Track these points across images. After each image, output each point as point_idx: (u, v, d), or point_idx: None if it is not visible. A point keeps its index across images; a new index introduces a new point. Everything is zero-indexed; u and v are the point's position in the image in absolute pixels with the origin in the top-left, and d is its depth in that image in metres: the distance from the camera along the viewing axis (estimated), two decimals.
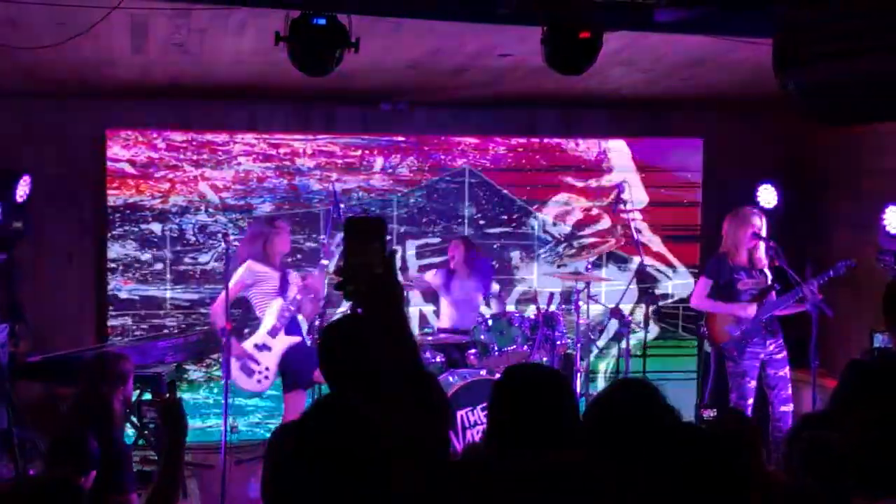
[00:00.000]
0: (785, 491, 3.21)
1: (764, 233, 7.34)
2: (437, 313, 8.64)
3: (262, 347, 7.28)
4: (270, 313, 7.32)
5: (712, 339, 7.62)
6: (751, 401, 7.35)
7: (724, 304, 7.43)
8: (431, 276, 8.38)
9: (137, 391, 6.92)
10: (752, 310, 7.33)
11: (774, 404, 7.36)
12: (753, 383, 7.37)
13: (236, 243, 7.56)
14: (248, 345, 7.30)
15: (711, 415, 4.56)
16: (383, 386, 2.17)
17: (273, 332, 7.29)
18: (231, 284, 7.11)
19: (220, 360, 7.79)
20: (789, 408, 7.36)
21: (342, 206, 8.14)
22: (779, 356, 7.43)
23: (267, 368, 7.28)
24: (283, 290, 7.36)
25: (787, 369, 7.42)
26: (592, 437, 3.09)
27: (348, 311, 6.93)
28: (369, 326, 2.21)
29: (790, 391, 7.41)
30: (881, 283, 8.08)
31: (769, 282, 7.39)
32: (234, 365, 7.23)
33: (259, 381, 7.31)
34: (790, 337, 7.50)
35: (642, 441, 2.70)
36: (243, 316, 7.91)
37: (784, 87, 4.31)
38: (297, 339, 7.38)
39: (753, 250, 7.37)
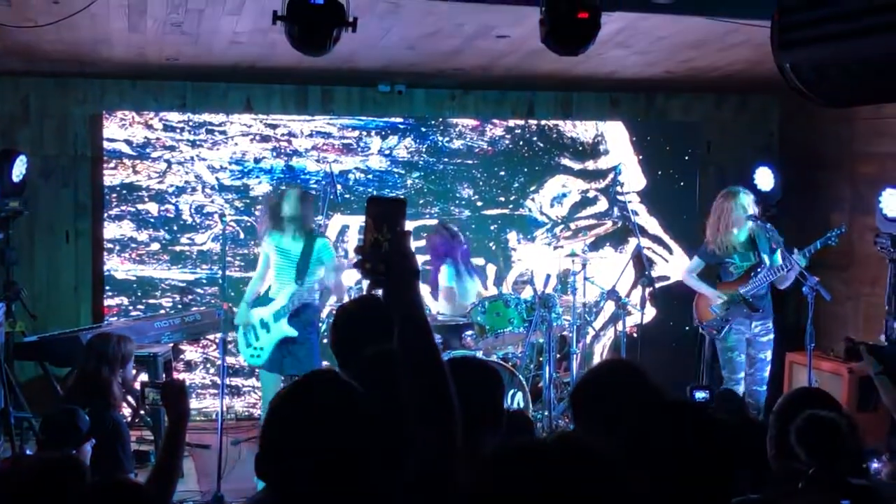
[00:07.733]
0: (779, 468, 3.23)
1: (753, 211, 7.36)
2: (434, 295, 8.61)
3: (264, 325, 7.27)
4: (283, 295, 7.24)
5: (698, 318, 7.71)
6: (742, 374, 7.44)
7: (703, 286, 7.60)
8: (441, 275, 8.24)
9: (134, 371, 6.92)
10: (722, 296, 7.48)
11: (747, 381, 7.42)
12: (743, 356, 7.46)
13: (232, 224, 7.52)
14: (254, 315, 7.29)
15: (704, 396, 4.56)
16: (391, 368, 2.19)
17: (277, 316, 7.22)
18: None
19: (217, 340, 7.79)
20: (762, 388, 7.43)
21: (339, 187, 8.12)
22: (764, 338, 7.49)
23: (261, 348, 7.25)
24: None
25: (769, 352, 7.48)
26: (579, 416, 3.11)
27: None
28: (383, 306, 2.25)
29: (767, 373, 7.45)
30: (876, 267, 8.15)
31: (760, 261, 7.40)
32: (240, 331, 7.29)
33: (252, 356, 7.30)
34: (786, 319, 7.50)
35: (626, 418, 2.71)
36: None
37: (782, 68, 4.30)
38: (294, 333, 7.20)
39: (750, 230, 7.40)
